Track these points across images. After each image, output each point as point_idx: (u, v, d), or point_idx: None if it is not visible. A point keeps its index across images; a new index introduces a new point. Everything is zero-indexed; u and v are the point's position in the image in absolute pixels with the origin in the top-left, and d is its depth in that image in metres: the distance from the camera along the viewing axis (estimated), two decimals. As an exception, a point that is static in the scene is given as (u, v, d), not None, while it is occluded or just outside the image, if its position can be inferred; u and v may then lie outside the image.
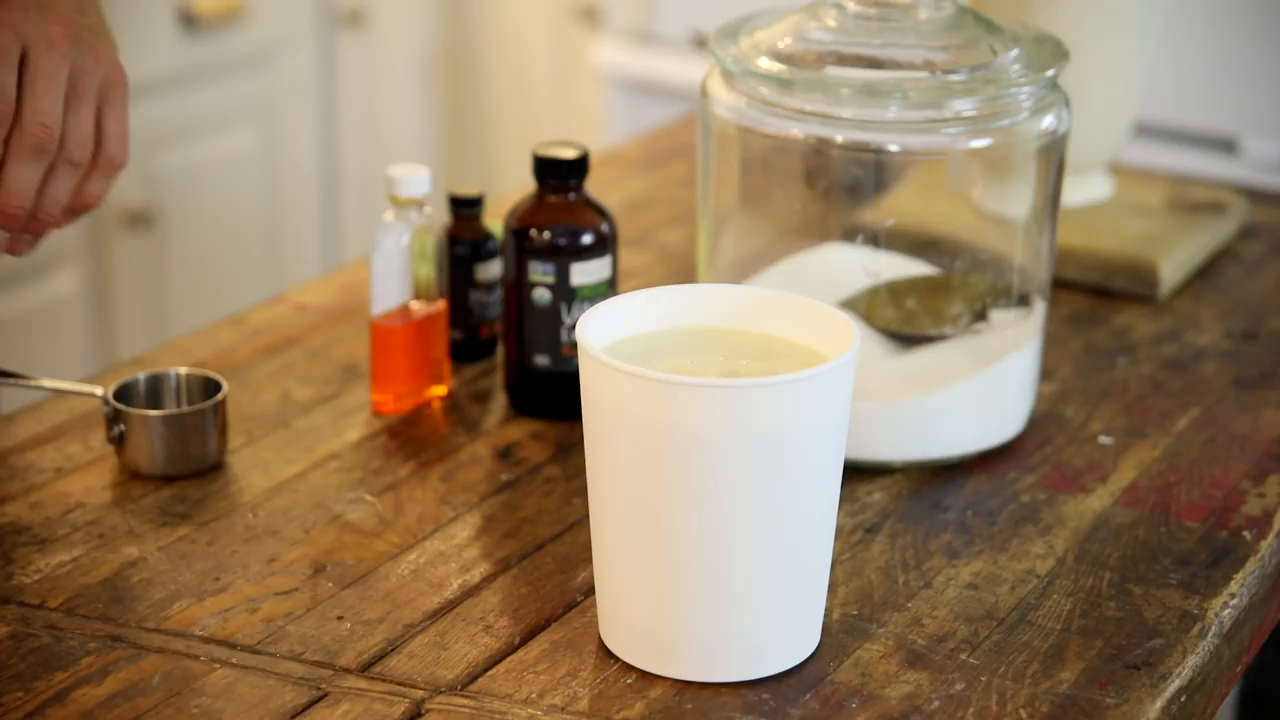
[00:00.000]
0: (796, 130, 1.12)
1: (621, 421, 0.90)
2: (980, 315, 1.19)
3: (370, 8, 2.77)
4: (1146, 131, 1.91)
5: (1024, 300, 1.19)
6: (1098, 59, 1.44)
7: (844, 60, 1.13)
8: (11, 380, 1.12)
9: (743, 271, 1.19)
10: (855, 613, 0.99)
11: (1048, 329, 1.32)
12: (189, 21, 2.46)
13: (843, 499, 1.10)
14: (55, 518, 1.06)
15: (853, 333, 0.93)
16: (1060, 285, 1.41)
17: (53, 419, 1.16)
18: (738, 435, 0.88)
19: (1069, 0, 1.42)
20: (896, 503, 1.11)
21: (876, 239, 1.18)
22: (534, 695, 0.91)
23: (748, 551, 0.90)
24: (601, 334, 0.94)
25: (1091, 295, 1.40)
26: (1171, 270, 1.40)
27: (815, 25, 1.14)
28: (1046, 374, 1.26)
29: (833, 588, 1.01)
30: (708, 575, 0.90)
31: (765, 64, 1.12)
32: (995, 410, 1.16)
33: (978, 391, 1.15)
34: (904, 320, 1.19)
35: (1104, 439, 1.19)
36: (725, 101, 1.14)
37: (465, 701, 0.91)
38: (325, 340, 1.28)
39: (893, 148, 1.12)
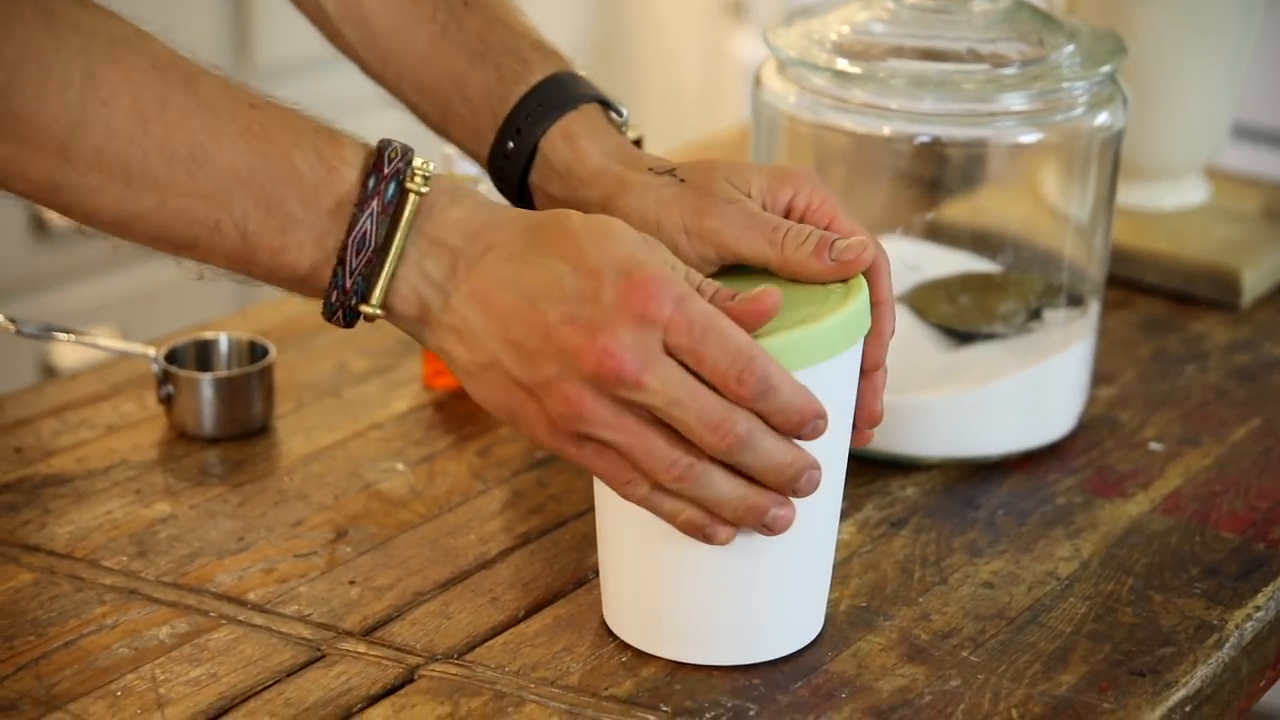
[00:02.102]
0: (846, 122, 1.12)
1: None
2: (1035, 314, 1.17)
3: (521, -3, 2.81)
4: (1253, 136, 1.86)
5: (1078, 300, 1.17)
6: (1193, 61, 1.41)
7: (898, 52, 1.12)
8: (70, 337, 1.16)
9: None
10: (864, 604, 0.99)
11: (1111, 331, 1.31)
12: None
13: (875, 492, 1.10)
14: (98, 472, 1.09)
15: (863, 323, 0.92)
16: (1140, 290, 1.38)
17: (114, 378, 1.20)
18: None
19: (1164, 2, 1.39)
20: (928, 498, 1.10)
21: (918, 232, 1.17)
22: (526, 667, 0.92)
23: (744, 535, 0.90)
24: None
25: (1171, 301, 1.37)
26: (1256, 279, 1.37)
27: (870, 16, 1.14)
28: (1108, 378, 1.24)
29: (846, 579, 1.01)
30: (703, 558, 0.90)
31: (818, 54, 1.11)
32: (1039, 411, 1.14)
33: (1021, 391, 1.14)
34: (958, 316, 1.18)
35: (1155, 445, 1.17)
36: (778, 91, 1.14)
37: (457, 670, 0.92)
38: (389, 314, 1.31)
39: (937, 140, 1.11)
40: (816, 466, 0.87)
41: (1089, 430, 1.18)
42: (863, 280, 0.92)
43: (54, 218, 2.21)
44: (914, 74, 1.11)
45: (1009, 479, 1.12)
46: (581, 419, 0.85)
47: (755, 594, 0.92)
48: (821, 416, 0.86)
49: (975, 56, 1.11)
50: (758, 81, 1.16)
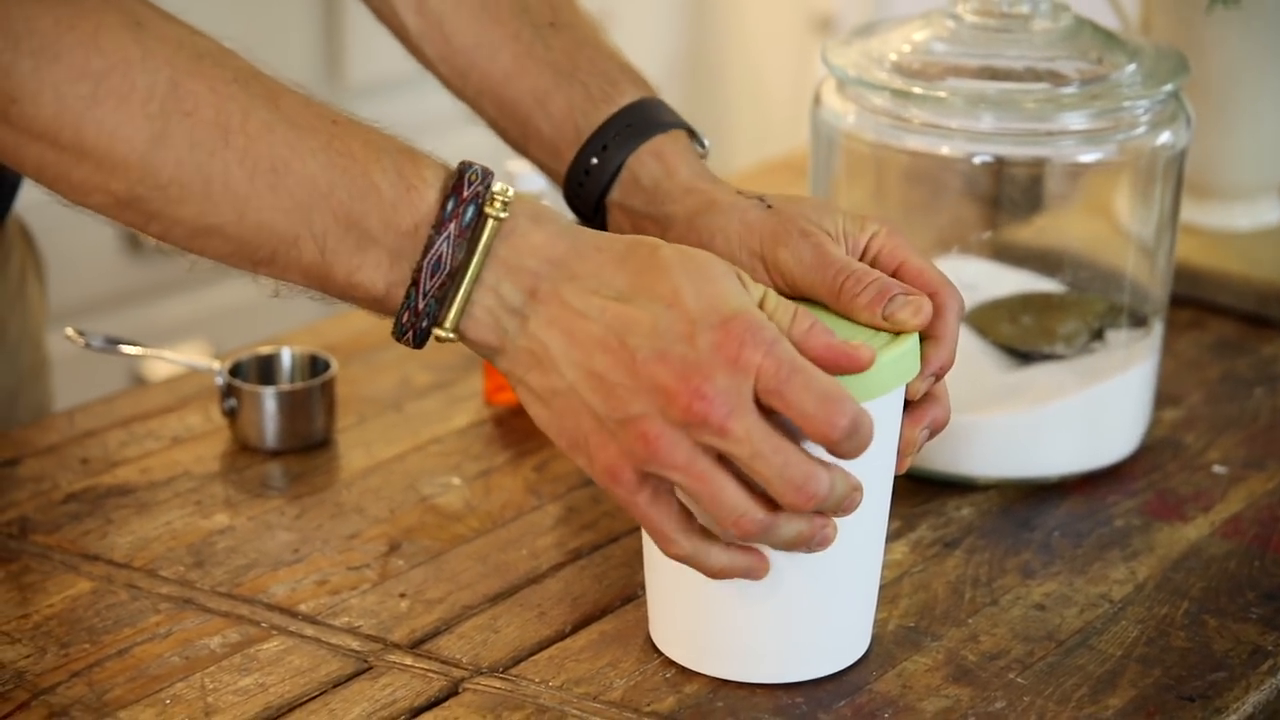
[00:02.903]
0: (905, 141, 1.12)
1: None
2: (1097, 334, 1.16)
3: (613, 10, 2.82)
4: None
5: (1141, 321, 1.16)
6: (1270, 79, 1.40)
7: (957, 71, 1.12)
8: (136, 351, 1.18)
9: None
10: (912, 625, 0.98)
11: (1180, 352, 1.29)
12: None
13: (930, 512, 1.10)
14: (160, 483, 1.11)
15: (910, 366, 0.91)
16: (1213, 311, 1.36)
17: (183, 390, 1.22)
18: None
19: (1240, 20, 1.38)
20: (984, 519, 1.09)
21: (977, 251, 1.16)
22: (569, 682, 0.93)
23: (789, 557, 0.90)
24: None
25: (1244, 323, 1.36)
26: (1331, 301, 1.35)
27: (930, 35, 1.13)
28: (1173, 399, 1.23)
29: (895, 599, 1.00)
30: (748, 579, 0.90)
31: (876, 73, 1.11)
32: (1100, 432, 1.13)
33: (1081, 412, 1.13)
34: (1019, 336, 1.17)
35: (1218, 468, 1.15)
36: (837, 110, 1.14)
37: (501, 684, 0.93)
38: (455, 330, 1.32)
39: (996, 159, 1.11)
40: (859, 488, 0.87)
41: (1151, 452, 1.17)
42: None
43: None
44: (973, 93, 1.10)
45: (1067, 500, 1.11)
46: (655, 458, 0.84)
47: (800, 613, 0.92)
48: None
49: (1035, 75, 1.11)
50: (817, 100, 1.16)
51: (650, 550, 0.94)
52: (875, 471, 0.89)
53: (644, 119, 1.03)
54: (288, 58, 2.37)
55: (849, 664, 0.94)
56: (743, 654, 0.92)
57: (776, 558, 0.89)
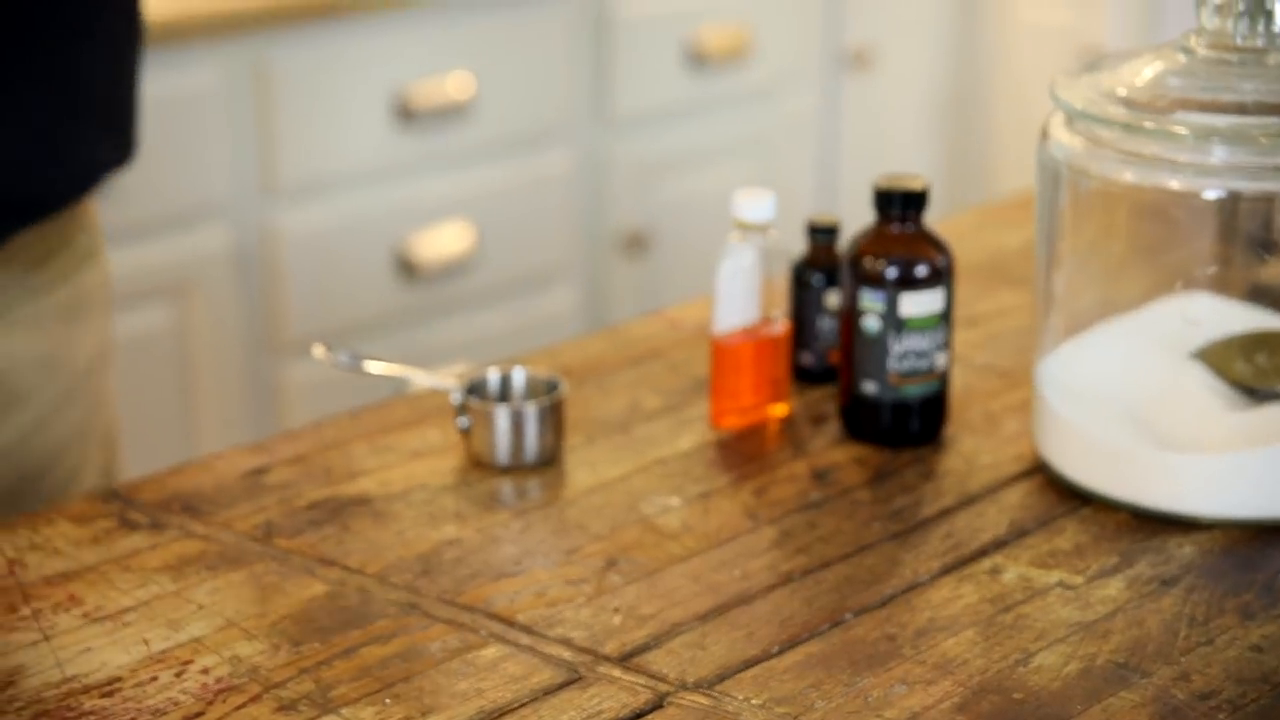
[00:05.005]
0: (1133, 175, 1.11)
1: None
2: (1335, 374, 1.14)
3: (879, 49, 2.83)
4: None
5: (1379, 362, 1.13)
6: None
7: (1187, 104, 1.11)
8: (379, 367, 1.23)
9: (1075, 317, 1.18)
10: (1122, 661, 0.97)
11: None
12: (697, 58, 2.58)
13: (1149, 549, 1.09)
14: (396, 494, 1.16)
15: None
16: None
17: (424, 407, 1.27)
18: None
19: None
20: (1205, 558, 1.08)
21: (1204, 286, 1.15)
22: (771, 701, 0.95)
23: None
24: None
25: None
26: None
27: (1161, 69, 1.13)
28: None
29: (1107, 634, 1.00)
30: None
31: (1105, 107, 1.11)
32: (1332, 473, 1.11)
33: (1312, 452, 1.10)
34: (1254, 375, 1.15)
35: None
36: (1064, 144, 1.14)
37: (704, 700, 0.95)
38: (687, 355, 1.35)
39: (1227, 194, 1.09)
40: None
41: (1388, 496, 1.14)
42: None
43: (419, 257, 2.33)
44: (1204, 126, 1.09)
45: (1294, 542, 1.09)
46: None
47: None
48: None
49: (1268, 108, 1.09)
50: (1044, 134, 1.16)
51: None
52: None
53: None
54: (557, 92, 2.44)
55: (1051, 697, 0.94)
56: None
57: None
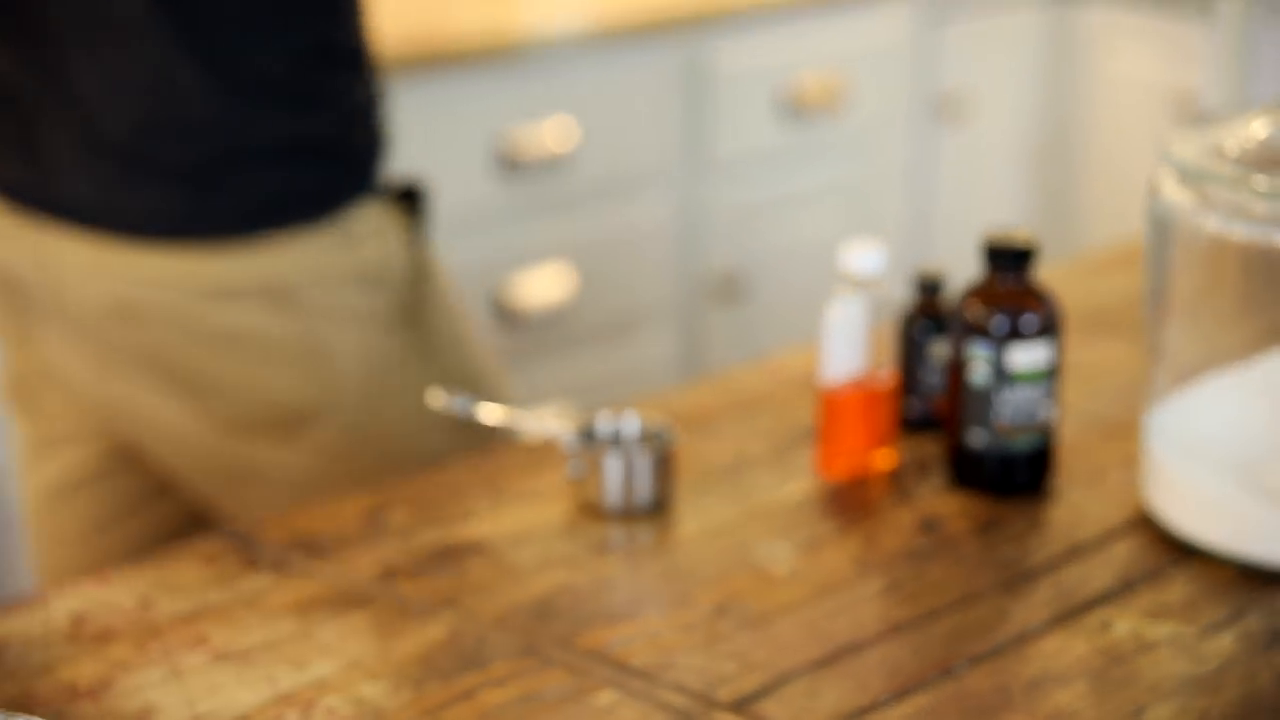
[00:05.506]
0: (1244, 232, 1.12)
1: None
2: None
3: (971, 98, 2.85)
4: None
5: None
6: None
7: (1299, 161, 1.12)
8: (494, 412, 1.26)
9: (1182, 370, 1.19)
10: (1235, 715, 0.98)
11: None
12: (793, 106, 2.60)
13: (1258, 602, 1.10)
14: (511, 538, 1.19)
15: None
16: None
17: (539, 452, 1.30)
18: None
19: None
20: (1315, 613, 1.08)
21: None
22: (883, 749, 0.96)
23: None
24: None
25: None
26: None
27: (1274, 127, 1.14)
28: None
29: (1218, 688, 1.01)
30: None
31: (1217, 164, 1.12)
32: None
33: None
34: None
35: None
36: (1174, 200, 1.15)
37: (817, 746, 0.97)
38: (794, 404, 1.37)
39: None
40: None
41: None
42: None
43: (518, 302, 2.36)
44: (1314, 184, 1.10)
45: (1406, 599, 1.10)
46: None
47: None
48: None
49: (1379, 167, 1.10)
50: (1154, 190, 1.17)
51: None
52: None
53: None
54: (655, 140, 2.47)
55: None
56: None
57: None
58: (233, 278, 1.37)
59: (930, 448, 1.29)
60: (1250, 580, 1.11)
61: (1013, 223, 2.87)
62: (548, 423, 1.26)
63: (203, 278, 1.36)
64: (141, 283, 1.36)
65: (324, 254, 1.38)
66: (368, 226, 1.40)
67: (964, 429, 1.22)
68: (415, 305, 1.42)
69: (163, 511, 1.47)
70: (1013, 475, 1.22)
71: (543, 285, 2.40)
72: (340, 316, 1.39)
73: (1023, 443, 1.21)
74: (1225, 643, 1.05)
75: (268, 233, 1.36)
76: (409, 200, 1.46)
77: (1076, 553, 1.16)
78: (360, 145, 1.42)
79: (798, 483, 1.25)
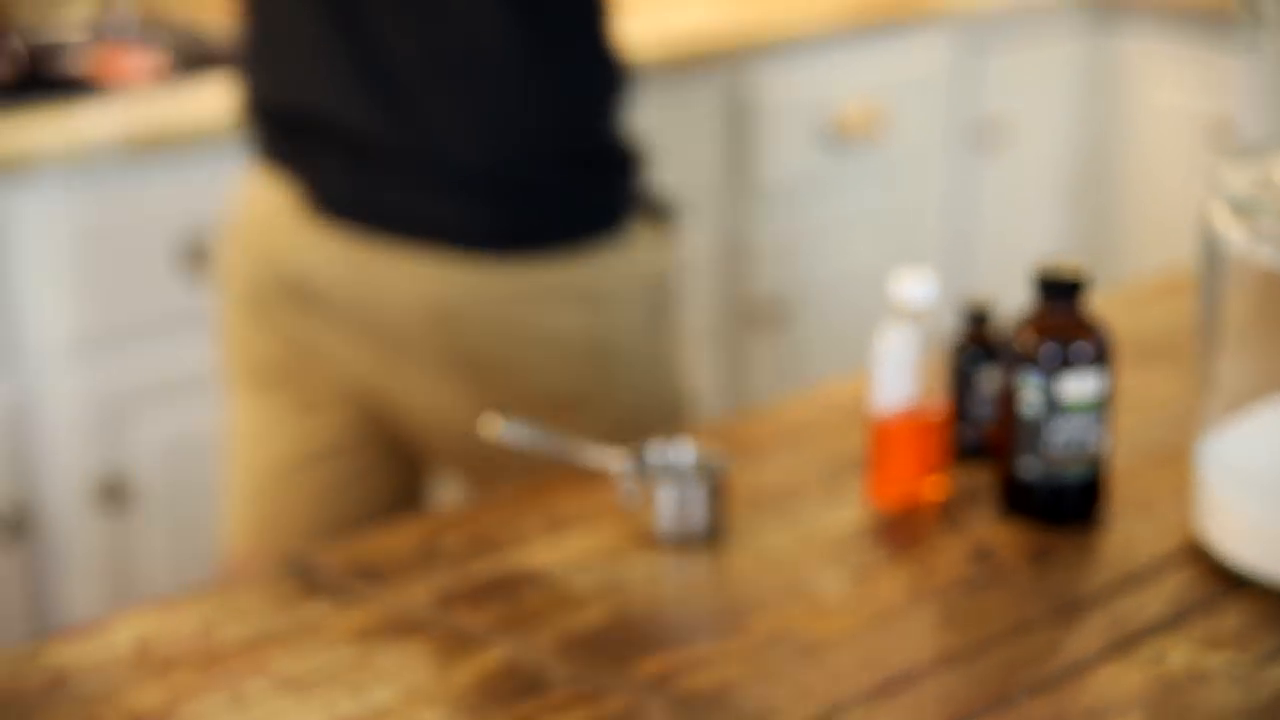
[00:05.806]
0: (1294, 261, 1.13)
1: None
2: None
3: (1012, 127, 2.85)
4: None
5: None
6: None
7: (1351, 193, 1.12)
8: (550, 447, 1.27)
9: (1233, 399, 1.19)
10: (1287, 745, 0.99)
11: None
12: (835, 135, 2.62)
13: (1312, 633, 1.10)
14: (565, 563, 1.20)
15: None
16: None
17: (591, 478, 1.30)
18: None
19: None
20: (1368, 643, 1.09)
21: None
22: (940, 777, 0.97)
23: None
24: None
25: None
26: None
27: (1324, 157, 1.14)
28: None
29: (1253, 712, 1.01)
30: None
31: (1267, 195, 1.13)
32: None
33: None
34: None
35: None
36: (1225, 230, 1.16)
37: (874, 774, 0.97)
38: (843, 433, 1.37)
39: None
40: None
41: None
42: None
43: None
44: (1366, 216, 1.10)
45: None
46: None
47: None
48: None
49: None
50: (1205, 221, 1.18)
51: None
52: None
53: None
54: (697, 166, 2.49)
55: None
56: None
57: None
58: (549, 284, 1.49)
59: (981, 477, 1.30)
60: (1303, 610, 1.12)
61: (1051, 250, 2.87)
62: (603, 453, 1.27)
63: (521, 285, 1.47)
64: (461, 289, 1.47)
65: (620, 261, 1.50)
66: (645, 237, 1.53)
67: (1015, 459, 1.23)
68: (669, 309, 1.56)
69: (392, 484, 1.58)
70: (1064, 505, 1.22)
71: (586, 312, 2.41)
72: (628, 317, 1.51)
73: (1074, 473, 1.22)
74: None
75: (573, 242, 1.48)
76: (662, 213, 1.57)
77: (1129, 582, 1.17)
78: (635, 157, 1.53)
79: (849, 511, 1.26)
